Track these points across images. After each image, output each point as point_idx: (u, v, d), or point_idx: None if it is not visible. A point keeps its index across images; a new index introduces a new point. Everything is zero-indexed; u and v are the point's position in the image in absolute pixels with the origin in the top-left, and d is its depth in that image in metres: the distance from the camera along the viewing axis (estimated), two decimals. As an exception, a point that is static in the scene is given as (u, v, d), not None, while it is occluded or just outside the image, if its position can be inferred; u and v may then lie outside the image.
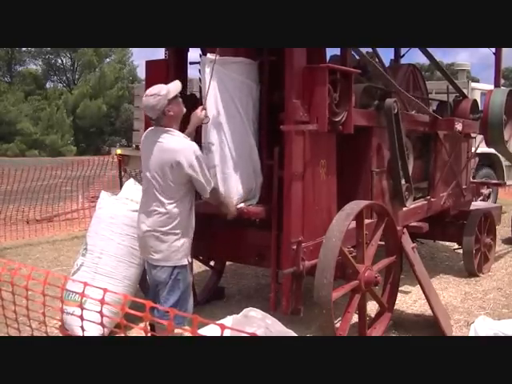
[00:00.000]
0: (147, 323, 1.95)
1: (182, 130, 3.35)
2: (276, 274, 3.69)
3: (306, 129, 3.53)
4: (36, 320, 2.57)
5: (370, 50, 4.70)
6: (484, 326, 2.95)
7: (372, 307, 4.21)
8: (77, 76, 43.74)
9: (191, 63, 4.15)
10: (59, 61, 44.01)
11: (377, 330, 3.93)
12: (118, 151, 9.89)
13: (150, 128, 3.31)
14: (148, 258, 3.27)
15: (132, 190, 4.18)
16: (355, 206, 3.68)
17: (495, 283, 5.44)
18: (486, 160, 9.40)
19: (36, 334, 2.64)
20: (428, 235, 5.61)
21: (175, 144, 3.12)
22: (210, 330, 1.94)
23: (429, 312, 4.26)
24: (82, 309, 2.15)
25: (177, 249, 3.15)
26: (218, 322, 1.74)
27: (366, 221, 3.85)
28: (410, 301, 4.87)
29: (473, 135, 5.92)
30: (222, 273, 5.08)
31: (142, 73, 35.53)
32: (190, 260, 3.30)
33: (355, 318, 3.85)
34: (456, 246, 6.25)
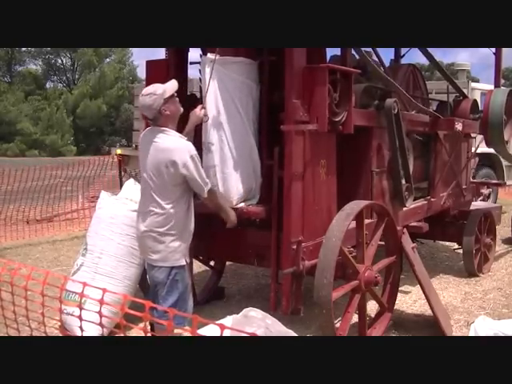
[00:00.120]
0: (147, 323, 1.95)
1: (182, 129, 3.35)
2: (276, 273, 3.69)
3: (306, 129, 3.53)
4: (35, 320, 2.57)
5: (368, 49, 4.69)
6: (484, 326, 2.95)
7: (372, 307, 4.21)
8: (77, 76, 43.77)
9: (191, 63, 4.16)
10: (59, 61, 44.08)
11: (377, 330, 3.93)
12: (118, 151, 9.89)
13: (147, 128, 3.30)
14: (146, 258, 3.27)
15: (132, 189, 4.18)
16: (355, 206, 3.67)
17: (495, 283, 5.44)
18: (486, 160, 9.40)
19: (35, 334, 2.64)
20: (428, 235, 5.60)
21: (170, 144, 3.10)
22: (210, 330, 1.93)
23: (429, 312, 4.26)
24: (81, 309, 2.15)
25: (174, 249, 3.13)
26: (217, 322, 1.74)
27: (366, 221, 3.85)
28: (410, 301, 4.86)
29: (473, 135, 5.93)
30: (222, 273, 5.08)
31: (142, 73, 35.66)
32: (188, 260, 3.28)
33: (355, 318, 3.85)
34: (456, 246, 6.25)
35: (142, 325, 1.99)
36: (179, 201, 3.13)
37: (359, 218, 3.70)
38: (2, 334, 2.81)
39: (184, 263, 3.20)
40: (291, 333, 2.23)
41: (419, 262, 4.34)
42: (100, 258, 3.94)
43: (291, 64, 3.48)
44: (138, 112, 10.32)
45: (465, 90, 6.08)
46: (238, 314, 2.29)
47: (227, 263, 5.11)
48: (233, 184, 3.63)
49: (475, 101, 5.85)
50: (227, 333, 1.68)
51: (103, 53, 41.28)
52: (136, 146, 9.66)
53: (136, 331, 3.24)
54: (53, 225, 8.29)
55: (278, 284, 3.66)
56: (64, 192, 9.40)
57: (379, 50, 4.70)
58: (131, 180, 4.45)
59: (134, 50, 44.11)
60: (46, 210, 8.83)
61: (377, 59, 4.67)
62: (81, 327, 2.19)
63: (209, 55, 3.48)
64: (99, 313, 2.01)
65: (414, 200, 4.80)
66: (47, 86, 43.80)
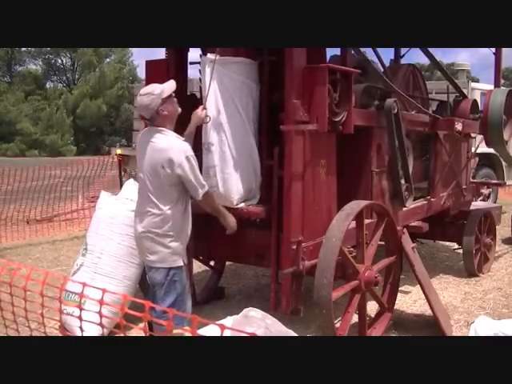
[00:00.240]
0: (146, 323, 1.94)
1: (183, 130, 3.35)
2: (276, 273, 3.69)
3: (306, 129, 3.53)
4: (35, 321, 2.57)
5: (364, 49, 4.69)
6: (484, 326, 2.95)
7: (372, 307, 4.21)
8: (77, 76, 43.77)
9: (191, 63, 4.16)
10: (59, 61, 44.08)
11: (377, 330, 3.93)
12: (118, 151, 9.88)
13: (145, 128, 3.30)
14: (144, 260, 3.26)
15: (132, 190, 4.17)
16: (355, 206, 3.67)
17: (495, 283, 5.44)
18: (486, 160, 9.40)
19: (35, 334, 2.63)
20: (428, 235, 5.61)
21: (166, 144, 3.08)
22: (210, 331, 1.93)
23: (429, 312, 4.26)
24: (81, 309, 2.14)
25: (172, 250, 3.12)
26: (217, 323, 1.74)
27: (366, 221, 3.85)
28: (410, 301, 4.86)
29: (473, 135, 5.93)
30: (222, 273, 5.08)
31: (141, 73, 35.54)
32: (186, 261, 3.27)
33: (355, 318, 3.85)
34: (456, 246, 6.25)
35: (141, 325, 1.99)
36: (176, 202, 3.11)
37: (359, 217, 3.70)
38: (1, 335, 2.81)
39: (182, 264, 3.19)
40: (291, 333, 2.23)
41: (419, 262, 4.34)
42: (100, 258, 3.94)
43: (291, 64, 3.48)
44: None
45: (465, 90, 6.08)
46: (238, 314, 2.29)
47: (227, 263, 5.11)
48: (233, 184, 3.63)
49: (475, 101, 5.85)
50: (227, 333, 1.67)
51: (103, 53, 41.28)
52: (136, 145, 9.65)
53: (136, 331, 3.24)
54: (53, 225, 8.29)
55: (278, 284, 3.66)
56: (64, 192, 9.40)
57: (379, 49, 4.71)
58: (131, 180, 4.45)
59: (134, 50, 44.19)
60: (46, 210, 8.82)
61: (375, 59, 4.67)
62: (80, 327, 2.19)
63: (209, 55, 3.48)
64: (99, 313, 2.01)
65: (414, 200, 4.80)
66: (47, 86, 43.88)
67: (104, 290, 1.99)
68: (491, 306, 4.74)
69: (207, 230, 3.81)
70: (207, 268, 5.05)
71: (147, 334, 2.07)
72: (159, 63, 4.19)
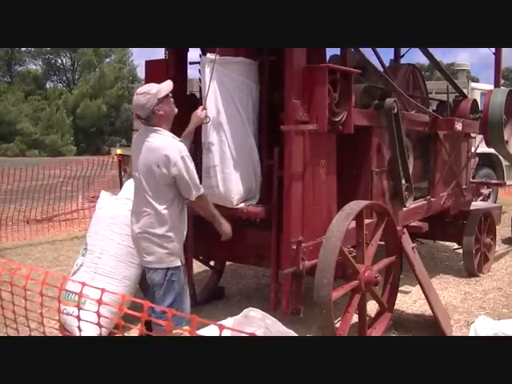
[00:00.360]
0: (143, 322, 1.93)
1: (182, 130, 3.34)
2: (276, 274, 3.69)
3: (306, 129, 3.52)
4: (35, 320, 2.57)
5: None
6: (484, 326, 2.94)
7: (372, 307, 4.21)
8: (77, 76, 43.79)
9: (191, 63, 4.15)
10: (59, 61, 44.10)
11: (377, 330, 3.93)
12: (118, 151, 9.88)
13: (142, 128, 3.28)
14: (142, 260, 3.25)
15: (132, 189, 4.17)
16: (355, 206, 3.67)
17: (495, 283, 5.44)
18: (486, 160, 9.41)
19: (35, 334, 2.63)
20: (428, 235, 5.61)
21: (161, 143, 3.05)
22: (210, 331, 1.93)
23: (429, 312, 4.26)
24: (80, 309, 2.14)
25: (169, 251, 3.10)
26: (217, 323, 1.74)
27: (366, 221, 3.85)
28: (410, 301, 4.86)
29: (473, 135, 5.93)
30: (222, 273, 5.08)
31: (141, 73, 35.39)
32: (183, 261, 3.27)
33: (355, 318, 3.85)
34: (456, 246, 6.25)
35: (141, 325, 1.98)
36: (172, 202, 3.09)
37: (359, 218, 3.70)
38: (1, 334, 2.81)
39: (179, 264, 3.17)
40: (291, 333, 2.23)
41: (419, 262, 4.34)
42: (100, 258, 3.94)
43: (291, 64, 3.48)
44: (137, 112, 10.33)
45: (465, 90, 6.07)
46: (238, 314, 2.29)
47: (227, 263, 5.10)
48: (233, 184, 3.62)
49: (475, 101, 5.85)
50: (227, 333, 1.67)
51: (103, 53, 41.30)
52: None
53: (136, 331, 3.24)
54: (53, 225, 8.29)
55: (278, 284, 3.66)
56: (64, 192, 9.40)
57: (379, 49, 4.70)
58: (131, 180, 4.44)
59: (134, 50, 44.22)
60: (46, 210, 8.83)
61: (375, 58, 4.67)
62: (79, 327, 2.18)
63: (208, 55, 3.48)
64: (97, 313, 2.01)
65: (414, 200, 4.80)
66: (47, 86, 43.91)
67: (103, 290, 1.99)
68: (491, 305, 4.74)
69: (207, 230, 3.80)
70: (207, 268, 5.05)
71: (143, 334, 2.06)
72: (159, 63, 4.18)
